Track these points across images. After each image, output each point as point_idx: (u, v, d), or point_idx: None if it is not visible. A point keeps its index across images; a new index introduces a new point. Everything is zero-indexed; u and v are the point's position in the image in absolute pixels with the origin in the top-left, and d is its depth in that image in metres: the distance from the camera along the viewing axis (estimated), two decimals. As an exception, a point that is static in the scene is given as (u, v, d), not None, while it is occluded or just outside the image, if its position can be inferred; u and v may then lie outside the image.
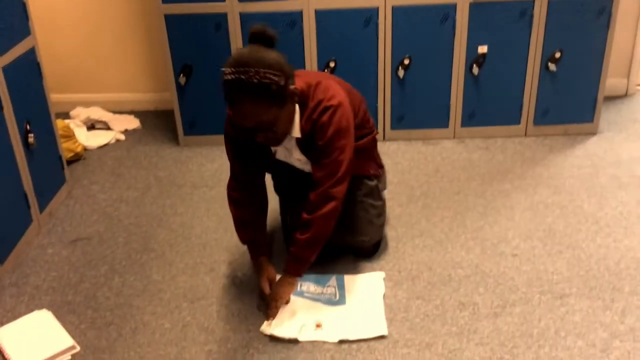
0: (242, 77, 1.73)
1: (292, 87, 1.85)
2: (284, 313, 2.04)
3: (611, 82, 3.46)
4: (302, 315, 2.04)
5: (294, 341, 1.94)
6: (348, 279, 2.21)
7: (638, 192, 2.67)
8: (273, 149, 2.10)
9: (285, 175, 2.23)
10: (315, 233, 1.97)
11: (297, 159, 2.10)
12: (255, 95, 1.76)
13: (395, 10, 2.95)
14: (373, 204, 2.27)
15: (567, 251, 2.31)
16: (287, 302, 2.07)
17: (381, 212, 2.32)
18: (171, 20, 3.01)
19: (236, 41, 3.02)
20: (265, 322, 2.01)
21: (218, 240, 2.48)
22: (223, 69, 1.76)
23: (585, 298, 2.08)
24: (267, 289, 2.08)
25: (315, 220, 1.95)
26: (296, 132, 1.97)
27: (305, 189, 2.02)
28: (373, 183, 2.28)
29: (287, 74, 1.81)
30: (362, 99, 2.25)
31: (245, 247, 2.25)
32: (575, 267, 2.23)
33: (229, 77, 1.75)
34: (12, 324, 2.04)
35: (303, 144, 2.02)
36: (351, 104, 2.06)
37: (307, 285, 2.17)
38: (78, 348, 1.95)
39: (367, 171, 2.26)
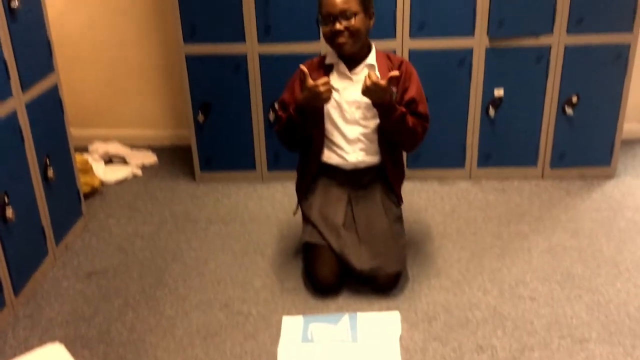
0: None
1: (373, 19, 2.29)
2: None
3: (628, 126, 3.46)
4: None
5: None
6: (362, 317, 2.18)
7: (658, 236, 2.64)
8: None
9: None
10: (418, 130, 2.29)
11: (354, 100, 2.29)
12: None
13: (412, 53, 2.99)
14: (400, 233, 2.37)
15: (586, 295, 2.28)
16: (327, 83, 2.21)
17: (405, 243, 2.41)
18: (192, 60, 3.07)
19: (255, 81, 3.07)
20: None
21: (232, 277, 2.47)
22: None
23: (606, 343, 2.03)
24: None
25: (419, 125, 2.29)
26: (372, 59, 2.32)
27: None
28: (399, 211, 2.41)
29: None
30: None
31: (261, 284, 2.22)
32: (594, 311, 2.19)
33: None
34: (25, 358, 2.02)
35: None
36: None
37: (317, 327, 2.11)
38: (89, 383, 1.93)
39: (399, 186, 2.47)
